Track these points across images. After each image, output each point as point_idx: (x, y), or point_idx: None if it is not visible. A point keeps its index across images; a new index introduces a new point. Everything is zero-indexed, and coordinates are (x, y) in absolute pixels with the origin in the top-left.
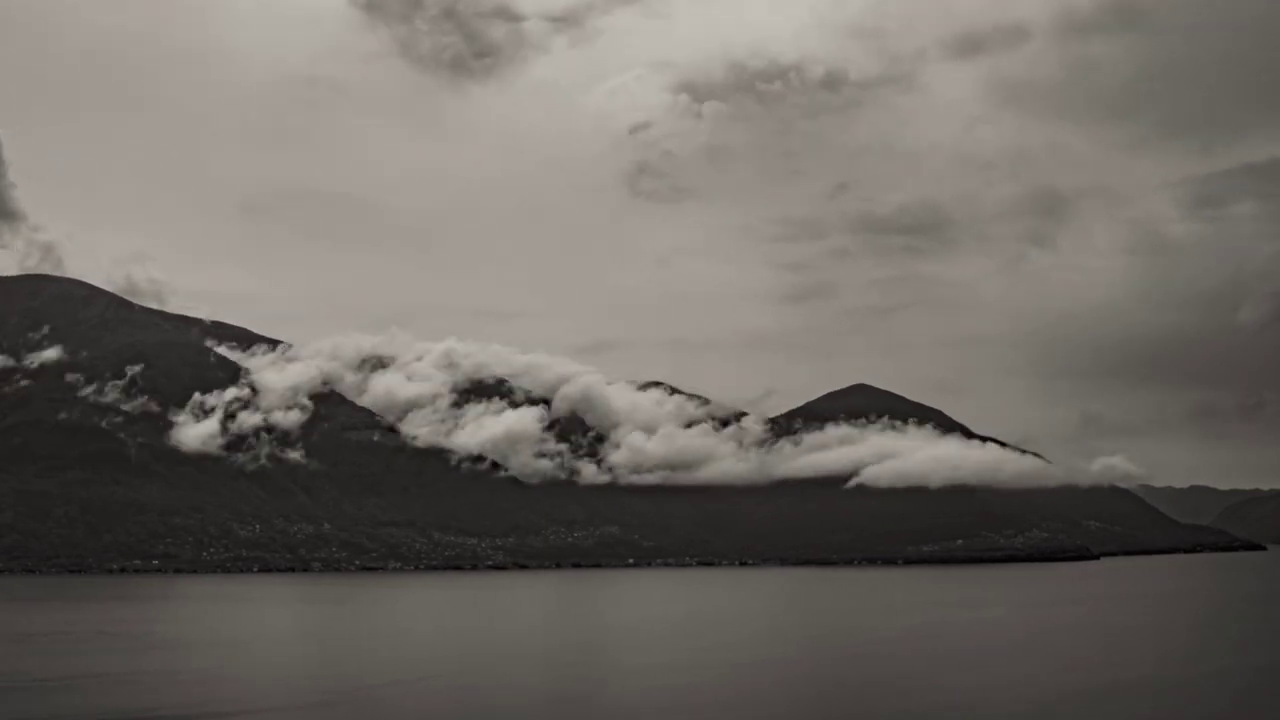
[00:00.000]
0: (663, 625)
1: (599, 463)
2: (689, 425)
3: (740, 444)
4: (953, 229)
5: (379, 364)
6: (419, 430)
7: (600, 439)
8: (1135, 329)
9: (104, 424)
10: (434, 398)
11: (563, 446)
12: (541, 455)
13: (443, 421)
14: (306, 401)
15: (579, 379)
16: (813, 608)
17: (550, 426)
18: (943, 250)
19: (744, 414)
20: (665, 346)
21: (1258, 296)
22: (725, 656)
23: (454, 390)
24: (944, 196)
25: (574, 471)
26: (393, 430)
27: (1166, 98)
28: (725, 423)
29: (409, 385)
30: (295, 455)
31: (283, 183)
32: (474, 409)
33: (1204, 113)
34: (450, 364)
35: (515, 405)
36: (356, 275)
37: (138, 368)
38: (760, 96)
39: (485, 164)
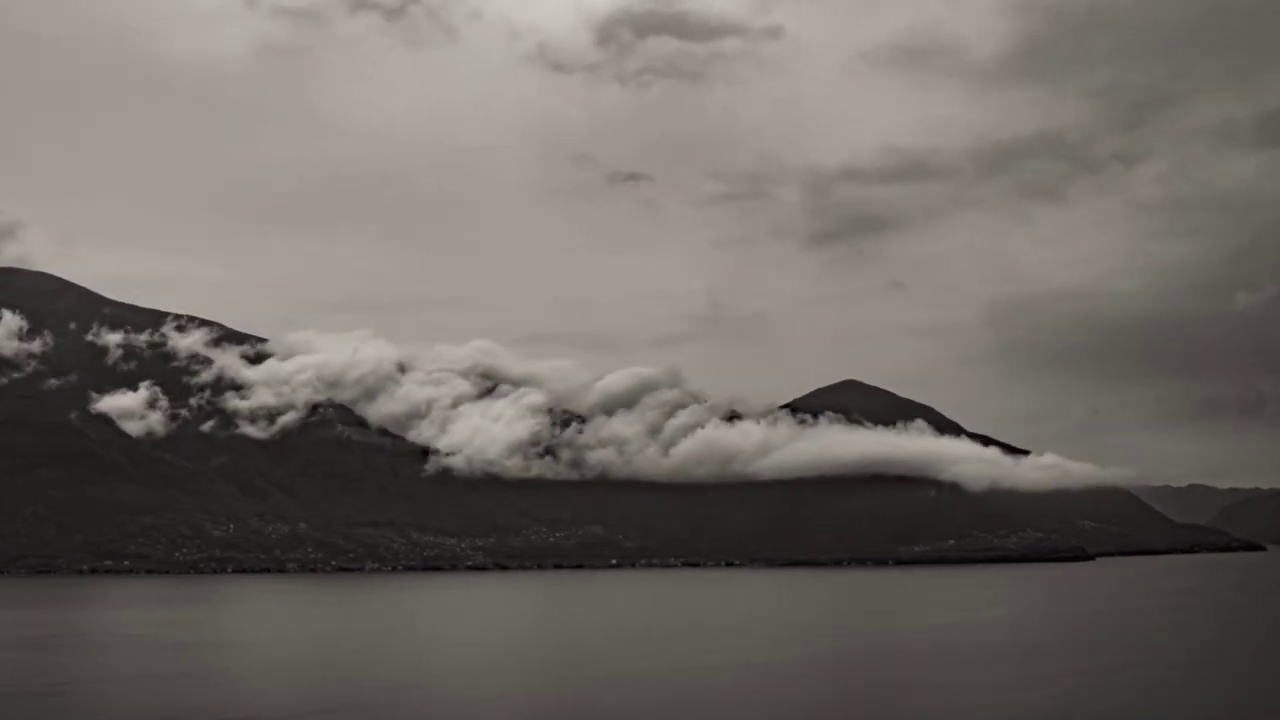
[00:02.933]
0: (657, 629)
1: (581, 461)
2: (673, 422)
3: (726, 441)
4: (905, 203)
5: (356, 360)
6: (396, 428)
7: (583, 437)
8: (1125, 312)
9: (74, 421)
10: (412, 394)
11: (544, 444)
12: (523, 453)
13: (421, 419)
14: (281, 398)
15: (562, 375)
16: (808, 610)
17: (532, 424)
18: (900, 226)
19: (730, 410)
20: (634, 338)
21: (1256, 276)
22: (726, 660)
23: (434, 387)
24: (888, 163)
25: (556, 470)
26: (369, 427)
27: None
28: (710, 419)
29: (387, 382)
30: (270, 453)
31: (216, 167)
32: (454, 406)
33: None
34: (430, 359)
35: (496, 402)
36: (296, 263)
37: (109, 363)
38: (639, 54)
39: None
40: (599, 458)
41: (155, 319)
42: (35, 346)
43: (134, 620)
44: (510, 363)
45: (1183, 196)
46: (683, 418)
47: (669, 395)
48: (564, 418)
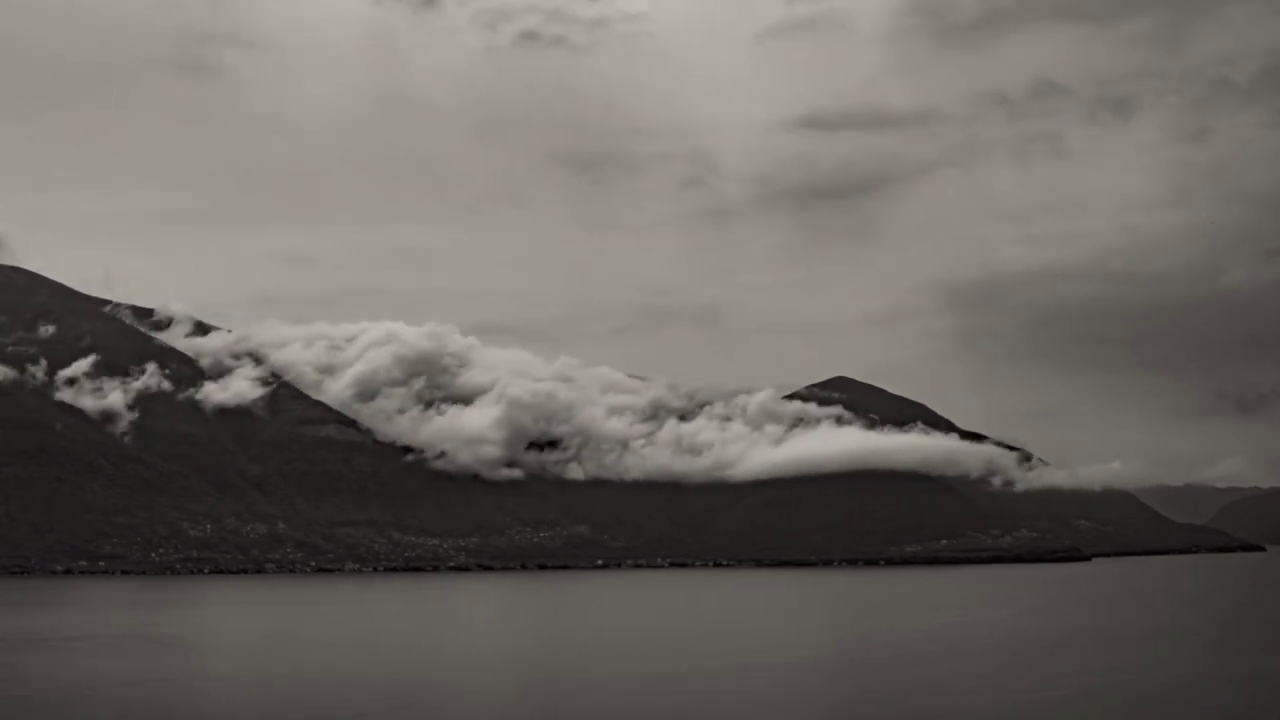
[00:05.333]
0: (652, 631)
1: (566, 459)
2: (658, 418)
3: (714, 439)
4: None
5: (334, 354)
6: (377, 425)
7: (567, 434)
8: (1120, 298)
9: (48, 419)
10: (392, 390)
11: (528, 442)
12: (506, 451)
13: (402, 415)
14: (259, 394)
15: (544, 370)
16: (805, 612)
17: (515, 421)
18: (864, 194)
19: (719, 406)
20: (584, 329)
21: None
22: (725, 664)
23: (414, 382)
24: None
25: (540, 468)
26: (349, 425)
27: None
28: (694, 414)
29: (366, 377)
30: (248, 451)
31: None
32: (436, 402)
33: None
34: (409, 353)
35: (479, 398)
36: (265, 256)
37: (82, 359)
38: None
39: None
40: (584, 456)
41: (130, 314)
42: (6, 342)
43: (116, 623)
44: (492, 355)
45: (1178, 163)
46: (669, 415)
47: (654, 392)
48: (553, 415)
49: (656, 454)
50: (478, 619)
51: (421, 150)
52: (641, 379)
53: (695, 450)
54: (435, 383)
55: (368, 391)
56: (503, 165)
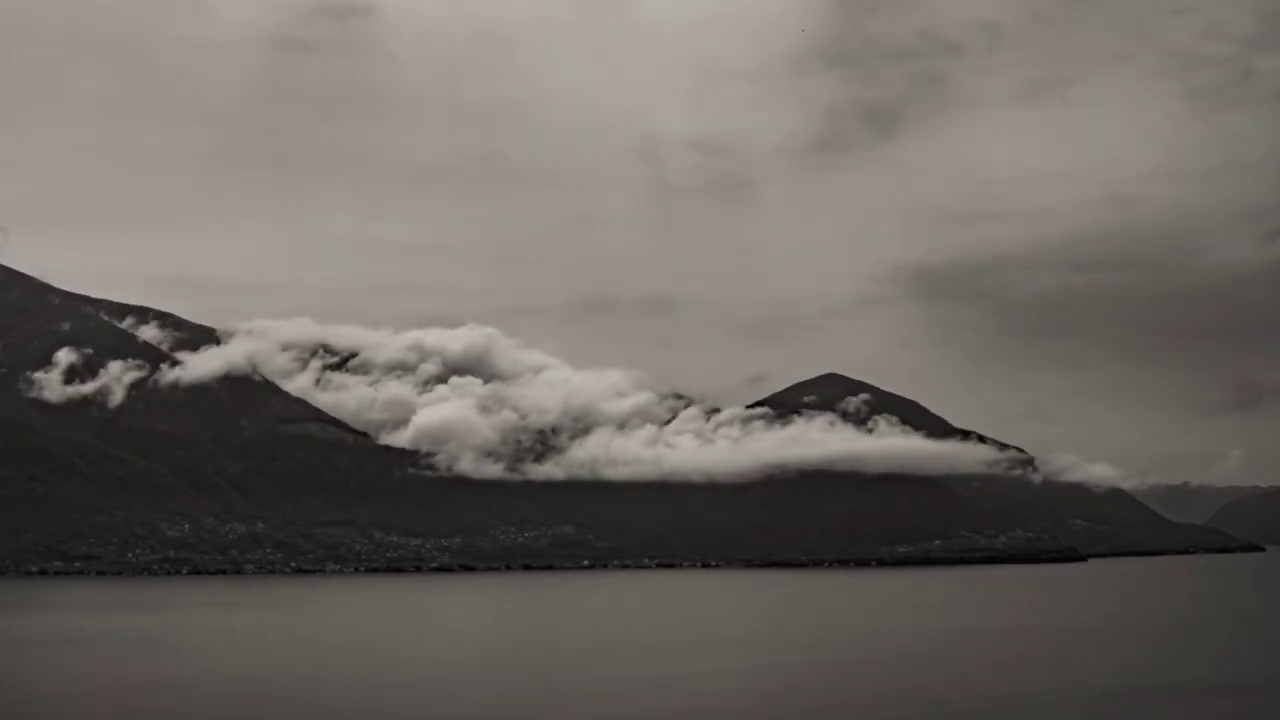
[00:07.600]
0: (643, 634)
1: (552, 457)
2: (646, 416)
3: (703, 437)
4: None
5: (316, 350)
6: (359, 423)
7: (553, 432)
8: (1114, 287)
9: (23, 417)
10: (376, 387)
11: (513, 439)
12: (490, 449)
13: (385, 413)
14: (238, 391)
15: (532, 365)
16: (801, 612)
17: (500, 419)
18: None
19: (707, 405)
20: (586, 323)
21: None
22: (721, 666)
23: (399, 378)
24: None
25: (525, 467)
26: (331, 423)
27: None
28: (681, 413)
29: (349, 373)
30: (226, 450)
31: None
32: (421, 399)
33: None
34: (395, 350)
35: (462, 394)
36: (240, 252)
37: (59, 356)
38: None
39: None
40: (570, 454)
41: (107, 310)
42: None
43: (93, 624)
44: (481, 351)
45: (1175, 127)
46: (656, 414)
47: (640, 390)
48: (539, 411)
49: (643, 453)
50: (464, 620)
51: (340, 137)
52: (628, 376)
53: (683, 449)
54: (419, 379)
55: (349, 389)
56: (413, 145)
